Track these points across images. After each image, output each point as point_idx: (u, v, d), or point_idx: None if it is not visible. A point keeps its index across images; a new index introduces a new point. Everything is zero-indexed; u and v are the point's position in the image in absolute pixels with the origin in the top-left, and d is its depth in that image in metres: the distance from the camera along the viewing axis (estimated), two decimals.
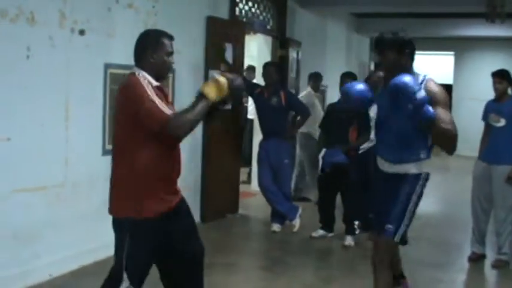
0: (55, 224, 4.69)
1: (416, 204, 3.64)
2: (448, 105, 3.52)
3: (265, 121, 6.55)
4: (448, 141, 3.44)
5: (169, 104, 3.16)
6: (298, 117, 6.80)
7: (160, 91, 3.12)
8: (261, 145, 6.61)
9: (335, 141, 6.04)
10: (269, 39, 8.55)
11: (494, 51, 14.35)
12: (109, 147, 5.14)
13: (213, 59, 6.60)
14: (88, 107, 4.99)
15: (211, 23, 6.56)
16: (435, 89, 3.50)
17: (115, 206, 3.11)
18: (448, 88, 15.40)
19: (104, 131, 5.13)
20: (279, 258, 5.61)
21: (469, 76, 14.76)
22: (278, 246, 6.06)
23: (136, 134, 2.99)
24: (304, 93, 8.21)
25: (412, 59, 3.64)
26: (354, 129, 6.12)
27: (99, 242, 5.09)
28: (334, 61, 10.99)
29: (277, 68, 6.77)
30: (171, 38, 3.19)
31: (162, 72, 3.18)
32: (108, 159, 5.03)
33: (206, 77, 6.46)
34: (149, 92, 2.93)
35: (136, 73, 3.08)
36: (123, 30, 5.22)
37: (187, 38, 6.24)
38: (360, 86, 3.82)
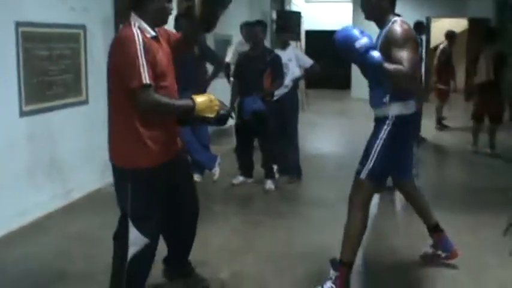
0: None
1: (385, 147, 3.59)
2: (408, 44, 3.46)
3: (183, 72, 6.47)
4: (402, 81, 3.42)
5: (169, 45, 3.27)
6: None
7: (156, 41, 3.12)
8: (179, 97, 6.64)
9: (251, 89, 6.16)
10: None
11: None
12: (26, 108, 5.06)
13: (122, 12, 6.49)
14: (1, 67, 4.81)
15: None
16: (394, 30, 3.51)
17: (115, 155, 3.16)
18: None
19: (19, 92, 4.98)
20: (204, 207, 5.66)
21: (367, 23, 15.13)
22: (201, 196, 6.07)
23: (129, 94, 3.00)
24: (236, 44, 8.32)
25: (391, 3, 3.67)
26: (268, 75, 6.26)
27: (23, 207, 5.07)
28: (237, 11, 10.99)
29: (191, 18, 6.73)
30: None
31: (162, 19, 3.17)
32: (28, 120, 5.03)
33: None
34: (138, 49, 2.92)
35: (132, 23, 3.04)
36: None
37: None
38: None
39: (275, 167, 6.52)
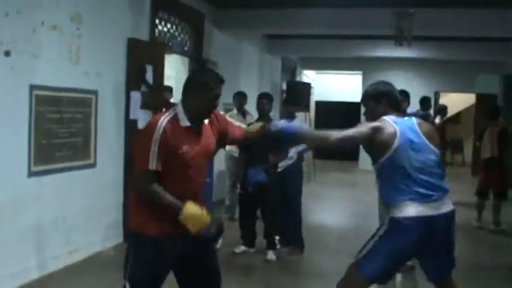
0: None
1: (380, 245, 3.51)
2: (357, 128, 3.59)
3: None
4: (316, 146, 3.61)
5: (210, 137, 3.26)
6: None
7: (191, 132, 3.13)
8: None
9: (256, 161, 6.25)
10: (186, 59, 8.71)
11: (400, 70, 15.15)
12: (35, 169, 5.16)
13: (134, 79, 6.69)
14: (13, 128, 4.96)
15: (132, 44, 6.65)
16: None
17: (131, 220, 3.21)
18: (356, 105, 16.08)
19: (29, 153, 5.10)
20: None
21: None
22: None
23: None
24: (230, 113, 8.40)
25: (392, 107, 3.76)
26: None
27: (23, 266, 5.11)
28: (248, 81, 11.26)
29: None
30: (221, 81, 3.22)
31: (202, 113, 3.17)
32: (35, 181, 5.13)
33: (128, 98, 6.56)
34: (154, 135, 2.98)
35: (170, 111, 3.14)
36: (49, 51, 5.26)
37: (110, 60, 6.31)
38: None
39: (277, 238, 6.53)
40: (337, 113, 17.05)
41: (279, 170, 6.53)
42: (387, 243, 3.48)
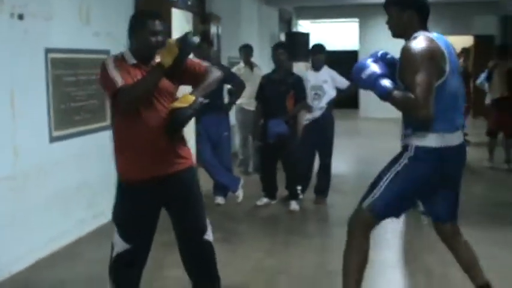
0: (7, 218, 4.54)
1: (396, 180, 3.24)
2: (421, 67, 3.04)
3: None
4: (413, 111, 3.08)
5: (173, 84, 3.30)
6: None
7: (138, 69, 3.20)
8: (198, 120, 6.66)
9: (275, 112, 6.19)
10: (189, 14, 8.54)
11: None
12: (56, 133, 5.08)
13: None
14: (31, 94, 4.83)
15: (139, 0, 6.49)
16: (406, 51, 3.13)
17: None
18: (354, 54, 15.97)
19: (49, 118, 5.00)
20: (232, 230, 5.74)
21: (375, 42, 15.28)
22: (227, 218, 6.16)
23: (112, 108, 3.26)
24: (237, 66, 8.31)
25: (421, 19, 3.25)
26: (290, 97, 6.30)
27: (54, 233, 5.08)
28: (248, 34, 11.12)
29: (209, 43, 6.80)
30: (155, 17, 3.25)
31: (144, 52, 3.23)
32: (57, 146, 5.05)
33: None
34: (110, 67, 3.12)
35: (118, 53, 3.27)
36: (60, 13, 5.12)
37: (118, 18, 6.14)
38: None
39: (299, 188, 6.51)
40: (334, 62, 16.85)
41: (310, 120, 6.50)
42: (408, 176, 3.21)
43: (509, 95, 8.40)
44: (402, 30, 3.29)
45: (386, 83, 3.14)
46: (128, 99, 3.07)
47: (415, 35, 3.19)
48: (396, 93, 3.11)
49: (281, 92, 6.24)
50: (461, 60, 10.79)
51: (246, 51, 8.42)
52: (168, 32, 6.97)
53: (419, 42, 3.12)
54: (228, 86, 7.03)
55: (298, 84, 6.32)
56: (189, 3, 8.34)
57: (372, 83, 3.18)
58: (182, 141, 3.37)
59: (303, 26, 17.00)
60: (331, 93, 6.61)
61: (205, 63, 3.47)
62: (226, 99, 7.11)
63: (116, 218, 3.35)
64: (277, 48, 6.54)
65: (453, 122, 3.22)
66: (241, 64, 8.39)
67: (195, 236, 3.38)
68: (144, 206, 3.29)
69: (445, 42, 3.22)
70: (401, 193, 3.26)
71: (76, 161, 5.43)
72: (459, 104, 3.27)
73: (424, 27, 3.27)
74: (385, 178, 3.27)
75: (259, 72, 8.42)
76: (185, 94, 3.20)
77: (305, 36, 13.99)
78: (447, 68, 3.13)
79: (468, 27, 15.39)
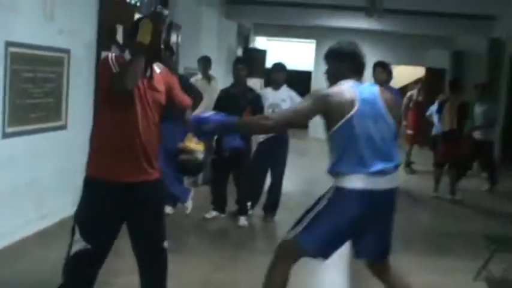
0: None
1: (322, 215, 3.32)
2: (305, 100, 3.40)
3: None
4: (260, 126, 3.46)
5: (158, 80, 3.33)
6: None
7: None
8: None
9: None
10: None
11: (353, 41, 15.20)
12: (9, 129, 4.97)
13: (105, 39, 6.48)
14: None
15: (105, 2, 6.42)
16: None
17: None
18: (308, 74, 16.17)
19: (3, 113, 4.88)
20: (180, 241, 5.68)
21: None
22: (175, 228, 6.08)
23: (101, 102, 3.31)
24: (195, 77, 8.27)
25: (354, 70, 3.49)
26: (247, 112, 6.29)
27: (1, 227, 4.96)
28: (207, 46, 11.10)
29: (172, 53, 6.78)
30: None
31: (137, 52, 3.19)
32: (9, 142, 4.92)
33: (99, 58, 6.34)
34: (111, 58, 3.16)
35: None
36: (25, 6, 5.02)
37: (82, 17, 6.09)
38: None
39: (249, 204, 6.52)
40: (288, 81, 17.04)
41: (264, 138, 6.51)
42: (331, 213, 3.28)
43: (458, 128, 8.64)
44: (336, 80, 3.47)
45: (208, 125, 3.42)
46: (121, 81, 3.06)
47: (338, 83, 3.42)
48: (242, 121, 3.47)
49: (239, 107, 6.25)
50: (414, 91, 11.16)
51: (205, 63, 8.41)
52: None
53: (329, 89, 3.40)
54: None
55: (256, 101, 6.36)
56: (152, 9, 8.26)
57: (216, 123, 3.40)
58: (156, 151, 3.38)
59: (259, 42, 17.10)
60: None
61: (188, 100, 3.72)
62: None
63: (79, 216, 3.28)
64: (238, 63, 6.58)
65: (370, 165, 3.25)
66: (199, 75, 8.37)
67: (157, 242, 3.39)
68: (109, 208, 3.26)
69: (367, 91, 3.39)
70: (324, 232, 3.31)
71: (28, 160, 5.31)
72: (380, 149, 3.31)
73: (357, 77, 3.47)
74: (310, 215, 3.35)
75: (216, 85, 8.44)
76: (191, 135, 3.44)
77: (262, 53, 14.07)
78: (352, 113, 3.25)
79: (421, 59, 15.82)
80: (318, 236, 3.31)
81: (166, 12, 3.21)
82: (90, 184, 3.26)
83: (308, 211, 3.39)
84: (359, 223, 3.32)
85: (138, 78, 3.13)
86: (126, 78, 3.06)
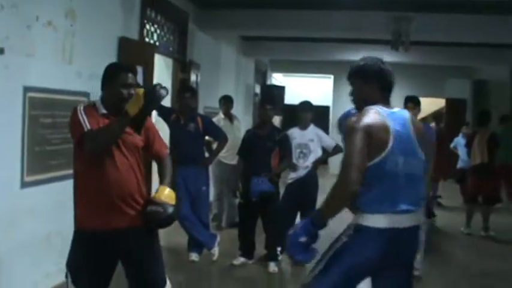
0: None
1: (335, 256, 3.09)
2: (349, 141, 2.96)
3: (182, 148, 6.14)
4: (340, 198, 2.98)
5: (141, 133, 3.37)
6: (215, 143, 6.66)
7: (107, 119, 3.24)
8: (178, 173, 6.32)
9: (259, 169, 5.93)
10: (169, 61, 8.31)
11: None
12: (28, 179, 4.73)
13: None
14: (5, 134, 4.49)
15: (123, 44, 6.24)
16: (346, 126, 3.09)
17: None
18: (325, 109, 15.94)
19: (22, 162, 4.65)
20: None
21: (348, 99, 15.24)
22: (200, 276, 5.84)
23: (76, 154, 3.27)
24: (217, 117, 8.03)
25: (382, 91, 3.18)
26: (276, 154, 6.07)
27: (19, 285, 4.72)
28: (226, 83, 10.95)
29: (194, 93, 6.59)
30: (128, 70, 3.34)
31: (115, 103, 3.26)
32: (29, 192, 4.68)
33: None
34: (80, 112, 3.17)
35: (89, 102, 3.43)
36: (43, 50, 4.82)
37: (101, 60, 5.85)
38: None
39: (279, 249, 6.21)
40: None
41: (293, 180, 6.28)
42: (350, 251, 3.03)
43: (489, 161, 8.32)
44: (363, 102, 3.16)
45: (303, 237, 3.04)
46: (93, 144, 3.08)
47: (367, 108, 3.08)
48: (321, 205, 3.05)
49: (266, 148, 6.01)
50: (433, 124, 10.77)
51: (227, 102, 8.20)
52: (151, 79, 6.79)
53: (362, 116, 3.02)
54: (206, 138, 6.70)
55: (284, 142, 6.11)
56: (171, 49, 8.12)
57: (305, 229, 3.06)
58: (141, 194, 3.33)
59: (276, 78, 16.94)
60: (317, 152, 6.41)
61: (166, 147, 3.65)
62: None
63: (69, 265, 3.29)
64: (265, 103, 6.34)
65: (396, 204, 2.98)
66: (221, 115, 8.14)
67: (154, 286, 3.38)
68: (99, 256, 3.24)
69: (400, 121, 3.07)
70: (340, 271, 3.06)
71: (48, 209, 5.06)
72: (408, 186, 3.03)
73: (385, 100, 3.17)
74: (328, 254, 3.11)
75: (239, 125, 8.23)
76: (164, 187, 3.35)
77: (280, 89, 13.88)
78: (386, 150, 2.96)
79: (440, 90, 15.54)
80: (335, 277, 3.06)
81: (164, 92, 3.16)
82: (76, 235, 3.29)
83: (325, 252, 3.14)
84: (380, 262, 3.03)
85: (113, 142, 3.15)
86: (96, 144, 3.09)
